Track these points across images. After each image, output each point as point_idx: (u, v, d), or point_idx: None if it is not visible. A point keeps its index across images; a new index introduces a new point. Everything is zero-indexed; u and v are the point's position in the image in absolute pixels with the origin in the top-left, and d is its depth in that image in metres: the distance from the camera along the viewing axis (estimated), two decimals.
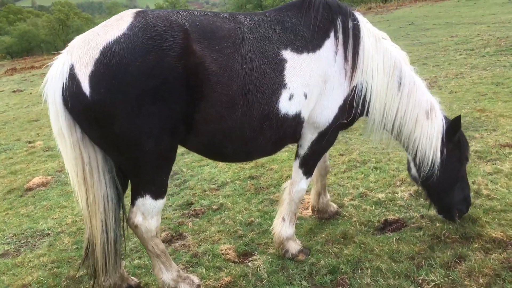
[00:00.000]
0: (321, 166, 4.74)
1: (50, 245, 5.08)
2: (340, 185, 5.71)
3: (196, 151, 3.92)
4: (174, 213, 5.53)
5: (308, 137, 4.01)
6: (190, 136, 3.63)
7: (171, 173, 6.73)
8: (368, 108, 4.03)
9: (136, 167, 3.40)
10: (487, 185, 5.08)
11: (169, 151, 3.46)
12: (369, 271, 3.87)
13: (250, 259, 4.30)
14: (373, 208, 4.97)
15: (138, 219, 3.54)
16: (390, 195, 5.20)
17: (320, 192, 4.83)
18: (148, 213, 3.52)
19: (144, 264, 4.46)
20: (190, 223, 5.18)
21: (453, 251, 3.99)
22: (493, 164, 5.68)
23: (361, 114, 4.13)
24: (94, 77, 3.09)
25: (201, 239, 4.78)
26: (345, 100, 3.91)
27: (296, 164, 4.18)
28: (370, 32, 4.04)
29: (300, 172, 4.15)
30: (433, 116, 4.10)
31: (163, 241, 4.79)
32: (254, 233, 4.76)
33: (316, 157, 4.16)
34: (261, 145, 3.77)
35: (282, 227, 4.21)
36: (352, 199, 5.26)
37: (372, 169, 6.04)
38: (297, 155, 4.18)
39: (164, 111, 3.27)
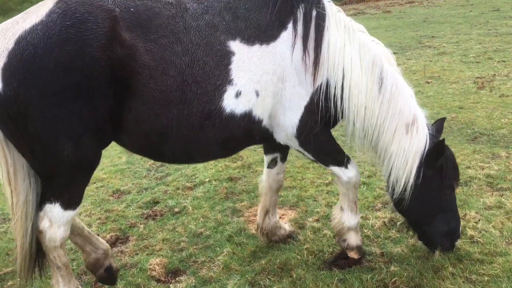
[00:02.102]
0: (272, 178, 4.19)
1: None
2: (314, 200, 5.09)
3: (134, 152, 3.59)
4: (135, 211, 5.26)
5: (291, 144, 3.64)
6: (121, 137, 3.30)
7: (158, 164, 6.57)
8: (344, 109, 3.46)
9: (51, 172, 3.10)
10: (477, 223, 4.22)
11: (91, 157, 3.14)
12: None
13: (177, 279, 3.92)
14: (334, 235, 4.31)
15: (44, 224, 3.24)
16: (361, 220, 4.49)
17: (268, 209, 4.27)
18: (55, 221, 3.22)
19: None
20: (142, 226, 4.88)
21: None
22: (500, 195, 4.73)
23: (341, 116, 3.57)
24: (6, 70, 2.79)
25: (141, 247, 4.46)
26: (311, 99, 3.40)
27: (324, 166, 3.85)
28: (340, 23, 3.47)
29: (333, 168, 3.72)
30: (414, 131, 3.48)
31: (109, 241, 4.55)
32: (197, 248, 4.35)
33: (328, 153, 3.70)
34: (204, 146, 3.37)
35: (344, 216, 3.83)
36: (316, 220, 4.64)
37: (359, 185, 5.30)
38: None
39: (86, 109, 2.94)
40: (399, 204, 3.65)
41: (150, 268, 4.03)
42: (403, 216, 3.84)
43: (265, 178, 4.26)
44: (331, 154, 3.67)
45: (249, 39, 3.30)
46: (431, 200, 3.61)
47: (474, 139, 6.52)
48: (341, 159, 3.68)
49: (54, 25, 2.83)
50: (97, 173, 6.49)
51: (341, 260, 3.90)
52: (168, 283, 3.85)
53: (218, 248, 4.29)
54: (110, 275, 3.78)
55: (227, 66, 3.22)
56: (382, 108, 3.42)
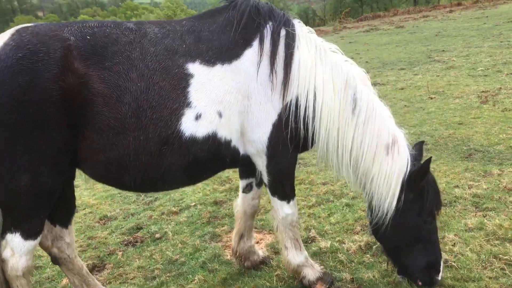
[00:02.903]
0: (247, 203, 4.13)
1: None
2: None
3: (98, 181, 3.58)
4: (117, 238, 5.27)
5: (259, 161, 3.51)
6: (80, 167, 3.33)
7: None
8: (315, 131, 3.38)
9: (10, 203, 3.13)
10: (454, 245, 4.06)
11: (50, 188, 3.14)
12: None
13: None
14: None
15: (6, 253, 3.26)
16: (336, 244, 4.40)
17: (242, 233, 4.21)
18: (17, 251, 3.24)
19: None
20: (121, 253, 4.87)
21: None
22: (483, 215, 4.55)
23: (311, 137, 3.43)
24: None
25: (116, 276, 4.45)
26: (279, 116, 3.32)
27: (268, 192, 3.68)
28: (311, 43, 3.43)
29: (275, 200, 3.64)
30: (395, 152, 3.34)
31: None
32: (170, 275, 4.31)
33: (284, 181, 3.59)
34: (167, 173, 3.30)
35: (289, 255, 3.78)
36: None
37: (343, 207, 5.21)
38: (264, 182, 3.71)
39: (41, 141, 2.97)
40: (377, 230, 3.47)
41: None
42: (381, 244, 3.67)
43: (240, 203, 4.21)
44: (286, 183, 3.58)
45: (210, 60, 3.28)
46: (410, 226, 3.40)
47: (468, 156, 6.33)
48: (289, 194, 3.62)
49: (6, 57, 2.88)
50: (87, 199, 6.57)
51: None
52: None
53: (190, 276, 4.24)
54: None
55: (185, 89, 3.20)
56: (357, 130, 3.32)
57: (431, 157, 3.29)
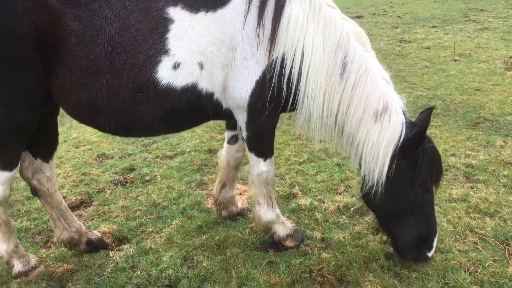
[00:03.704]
0: (231, 154, 4.12)
1: None
2: (281, 179, 4.99)
3: (75, 120, 3.62)
4: (109, 177, 5.40)
5: (239, 117, 3.45)
6: (57, 103, 3.37)
7: None
8: (298, 93, 3.22)
9: None
10: None
11: (23, 121, 3.19)
12: None
13: (120, 247, 4.00)
14: (285, 215, 4.23)
15: None
16: (316, 203, 4.38)
17: (225, 183, 4.23)
18: None
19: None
20: (109, 192, 5.01)
21: None
22: (471, 187, 4.42)
23: (294, 100, 3.28)
24: None
25: (100, 213, 4.60)
26: (264, 74, 3.19)
27: (246, 147, 3.64)
28: None
29: (252, 156, 3.59)
30: (385, 120, 3.11)
31: (74, 204, 4.75)
32: (150, 218, 4.42)
33: (262, 139, 3.52)
34: (142, 120, 3.29)
35: (260, 211, 3.78)
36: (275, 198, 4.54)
37: (332, 166, 5.15)
38: (242, 137, 3.66)
39: (13, 74, 3.01)
40: (367, 198, 3.32)
41: None
42: (371, 211, 3.52)
43: (224, 153, 4.20)
44: (264, 142, 3.50)
45: (193, 6, 3.14)
46: (401, 197, 3.20)
47: (475, 125, 6.09)
48: (266, 151, 3.54)
49: None
50: (90, 136, 6.71)
51: (279, 243, 3.83)
52: (109, 250, 3.94)
53: (169, 220, 4.33)
54: (95, 246, 3.91)
55: (163, 35, 3.09)
56: (344, 94, 3.14)
57: (424, 127, 3.02)
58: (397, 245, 3.36)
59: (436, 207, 4.01)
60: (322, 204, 4.36)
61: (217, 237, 3.97)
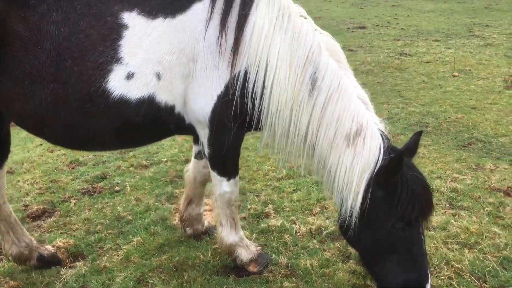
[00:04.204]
0: (198, 170, 3.88)
1: None
2: (256, 195, 4.73)
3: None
4: (78, 185, 5.17)
5: (201, 132, 3.18)
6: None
7: None
8: (263, 110, 2.95)
9: None
10: None
11: None
12: None
13: (73, 264, 3.76)
14: (253, 236, 3.98)
15: None
16: (287, 224, 4.12)
17: (191, 199, 3.97)
18: None
19: None
20: (74, 202, 4.78)
21: None
22: (453, 214, 4.14)
23: (259, 117, 3.01)
24: None
25: (60, 225, 4.36)
26: (227, 88, 2.92)
27: (209, 165, 3.36)
28: (274, 4, 2.92)
29: (215, 174, 3.30)
30: (359, 144, 2.78)
31: (35, 214, 4.54)
32: (111, 233, 4.17)
33: (225, 158, 3.21)
34: (93, 134, 3.05)
35: (223, 232, 3.50)
36: (243, 218, 4.30)
37: (311, 184, 4.88)
38: (204, 154, 3.37)
39: None
40: (344, 231, 2.92)
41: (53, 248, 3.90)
42: (350, 245, 3.18)
43: (191, 168, 3.95)
44: (226, 159, 3.21)
45: (151, 12, 2.91)
46: (378, 231, 2.78)
47: (467, 145, 5.81)
48: (230, 170, 3.27)
49: None
50: None
51: (242, 268, 3.57)
52: (61, 267, 3.69)
53: (131, 236, 4.09)
54: (47, 261, 3.68)
55: (115, 42, 2.86)
56: (314, 114, 2.86)
57: (401, 153, 2.64)
58: (383, 284, 2.85)
59: None
60: (294, 225, 4.09)
61: (177, 258, 3.72)
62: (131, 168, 5.56)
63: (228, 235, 3.48)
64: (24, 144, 6.54)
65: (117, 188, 5.05)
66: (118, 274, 3.56)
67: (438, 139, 6.07)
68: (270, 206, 4.47)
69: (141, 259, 3.76)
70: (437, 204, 4.35)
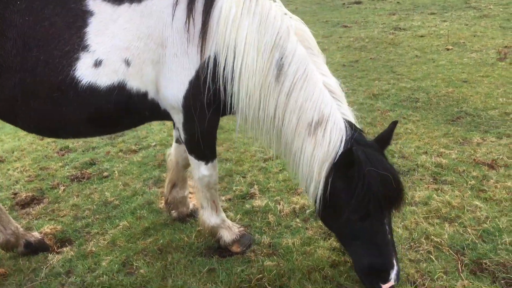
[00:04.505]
0: (180, 154, 3.88)
1: None
2: (242, 177, 4.76)
3: None
4: (67, 172, 5.21)
5: (175, 117, 3.17)
6: None
7: None
8: (234, 95, 2.94)
9: None
10: None
11: None
12: None
13: (60, 250, 3.81)
14: (238, 217, 4.02)
15: None
16: (271, 204, 4.16)
17: (175, 183, 4.01)
18: None
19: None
20: (63, 188, 4.83)
21: None
22: (436, 189, 4.15)
23: (231, 101, 3.00)
24: None
25: (48, 211, 4.42)
26: (197, 73, 2.91)
27: (186, 150, 3.37)
28: None
29: (192, 159, 3.32)
30: (319, 134, 2.78)
31: (24, 201, 4.59)
32: (98, 218, 4.22)
33: (201, 142, 3.18)
34: (66, 123, 3.05)
35: (204, 215, 3.54)
36: (228, 199, 4.34)
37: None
38: (181, 139, 3.36)
39: None
40: (317, 212, 2.98)
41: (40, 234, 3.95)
42: None
43: (173, 152, 3.97)
44: (203, 143, 3.18)
45: None
46: (339, 219, 2.80)
47: (455, 120, 5.79)
48: (207, 155, 3.26)
49: None
50: None
51: (224, 249, 3.62)
52: (48, 253, 3.75)
53: (117, 220, 4.13)
54: (34, 248, 3.73)
55: (81, 29, 2.85)
56: (280, 99, 2.85)
57: (351, 147, 2.62)
58: (354, 267, 2.98)
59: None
60: (278, 205, 4.12)
61: (161, 240, 3.77)
62: (120, 153, 5.60)
63: (209, 217, 3.52)
64: (15, 133, 6.57)
65: (105, 173, 5.09)
66: (104, 258, 3.61)
67: (427, 114, 6.05)
68: (255, 187, 4.50)
69: (127, 242, 3.81)
70: (421, 179, 4.38)
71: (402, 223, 3.67)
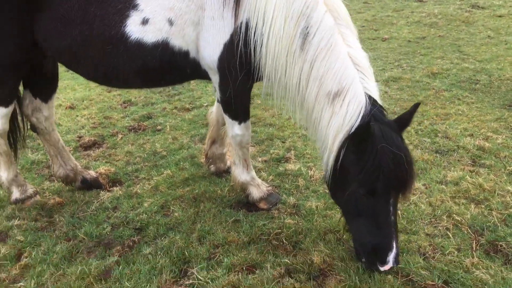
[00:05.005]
0: (220, 113, 4.14)
1: None
2: (282, 142, 4.98)
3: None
4: (126, 122, 5.72)
5: (213, 78, 3.47)
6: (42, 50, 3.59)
7: None
8: (262, 59, 3.12)
9: None
10: (414, 194, 3.79)
11: (14, 61, 3.52)
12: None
13: (111, 188, 4.29)
14: (270, 178, 4.27)
15: None
16: (303, 169, 4.36)
17: (215, 139, 4.33)
18: None
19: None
20: (121, 136, 5.33)
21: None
22: (470, 171, 4.11)
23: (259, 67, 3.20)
24: None
25: (106, 155, 4.93)
26: (231, 37, 3.13)
27: (222, 108, 3.65)
28: None
29: (227, 117, 3.60)
30: (337, 105, 2.81)
31: (86, 144, 5.13)
32: (147, 165, 4.66)
33: (235, 102, 3.45)
34: (117, 72, 3.41)
35: (236, 171, 3.84)
36: (264, 161, 4.59)
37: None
38: (217, 98, 3.65)
39: (4, 22, 3.31)
40: (327, 184, 3.03)
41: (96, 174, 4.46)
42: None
43: (214, 110, 4.29)
44: (236, 105, 3.43)
45: None
46: (345, 192, 2.81)
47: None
48: (240, 115, 3.48)
49: None
50: None
51: (252, 206, 3.89)
52: (101, 190, 4.24)
53: (162, 169, 4.54)
54: (89, 184, 4.25)
55: None
56: (304, 67, 2.93)
57: (368, 122, 2.63)
58: (354, 245, 3.01)
59: (422, 187, 3.86)
60: (309, 171, 4.31)
61: (197, 190, 4.12)
62: (174, 110, 6.01)
63: (240, 174, 3.80)
64: (87, 84, 7.21)
65: (159, 127, 5.52)
66: (146, 200, 4.03)
67: (484, 97, 5.86)
68: (292, 152, 4.71)
69: (168, 189, 4.20)
70: (459, 160, 4.35)
71: (427, 199, 3.73)
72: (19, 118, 4.04)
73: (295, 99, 3.09)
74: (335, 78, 2.84)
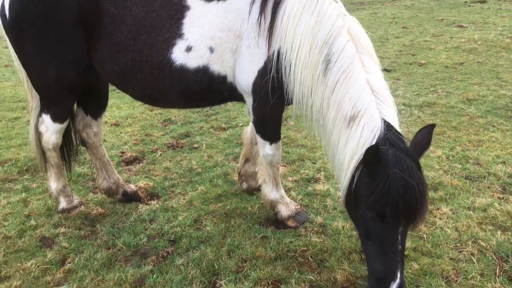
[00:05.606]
0: (254, 133, 4.34)
1: None
2: (313, 163, 5.13)
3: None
4: (166, 139, 6.04)
5: (247, 100, 3.74)
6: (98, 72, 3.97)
7: None
8: (290, 84, 3.35)
9: (42, 90, 4.02)
10: (440, 219, 3.84)
11: (70, 82, 3.89)
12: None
13: (148, 202, 4.56)
14: (299, 197, 4.43)
15: (42, 128, 4.16)
16: (332, 190, 4.49)
17: (248, 158, 4.55)
18: (49, 129, 4.11)
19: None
20: (160, 153, 5.63)
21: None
22: (499, 198, 4.12)
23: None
24: (11, 1, 3.68)
25: (145, 170, 5.23)
26: (265, 64, 3.38)
27: (254, 129, 3.90)
28: None
29: (259, 137, 3.83)
30: (353, 129, 2.90)
31: (128, 160, 5.47)
32: (182, 181, 4.92)
33: (266, 124, 3.74)
34: (162, 94, 3.74)
35: (266, 189, 4.02)
36: (294, 181, 4.75)
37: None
38: (251, 119, 3.93)
39: (63, 44, 3.71)
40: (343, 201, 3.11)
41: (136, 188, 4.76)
42: None
43: (249, 130, 4.53)
44: (267, 127, 3.68)
45: None
46: (357, 214, 2.89)
47: None
48: (271, 136, 3.71)
49: None
50: None
51: (281, 224, 4.06)
52: (139, 203, 4.52)
53: (197, 185, 4.79)
54: (129, 197, 4.56)
55: (179, 20, 3.49)
56: (326, 92, 3.11)
57: (376, 144, 2.63)
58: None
59: (449, 212, 3.91)
60: (338, 192, 4.43)
61: (229, 206, 4.33)
62: (211, 129, 6.29)
63: (270, 192, 3.99)
64: (131, 103, 7.63)
65: (195, 145, 5.80)
66: (180, 214, 4.27)
67: (509, 119, 5.81)
68: (322, 173, 4.85)
69: (201, 204, 4.43)
70: (488, 187, 4.37)
71: (454, 224, 3.78)
72: (72, 133, 4.40)
73: (319, 121, 3.26)
74: (351, 102, 2.96)
